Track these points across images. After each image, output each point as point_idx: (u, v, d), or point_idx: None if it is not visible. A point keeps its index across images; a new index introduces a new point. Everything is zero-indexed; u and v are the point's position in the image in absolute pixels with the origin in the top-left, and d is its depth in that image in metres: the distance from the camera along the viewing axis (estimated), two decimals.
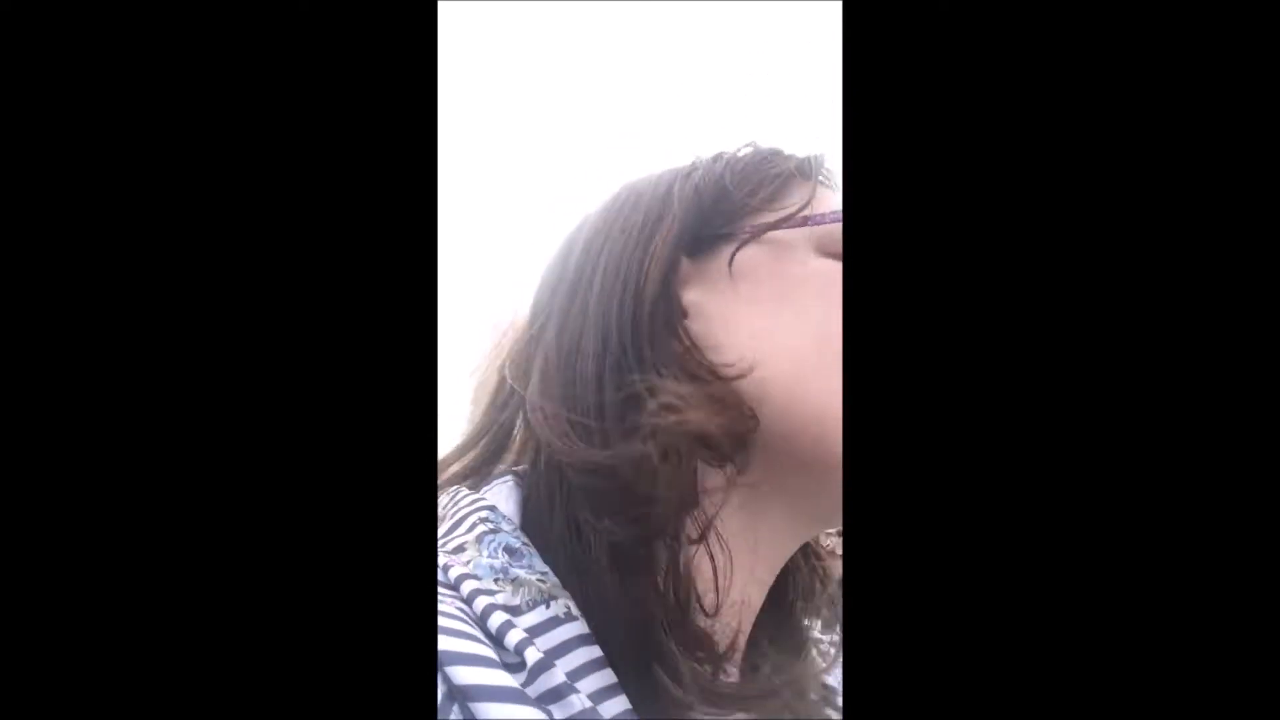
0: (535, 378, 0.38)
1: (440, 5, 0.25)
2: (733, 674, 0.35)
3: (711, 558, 0.33)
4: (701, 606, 0.33)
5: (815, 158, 0.43)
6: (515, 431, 0.41)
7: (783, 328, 0.37)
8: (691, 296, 0.39)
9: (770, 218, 0.39)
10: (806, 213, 0.39)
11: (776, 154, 0.43)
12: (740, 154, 0.43)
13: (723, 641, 0.33)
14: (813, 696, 0.42)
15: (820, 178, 0.42)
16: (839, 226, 0.39)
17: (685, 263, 0.39)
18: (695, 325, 0.38)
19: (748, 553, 0.35)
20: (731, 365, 0.35)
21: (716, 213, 0.40)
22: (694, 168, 0.42)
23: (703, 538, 0.33)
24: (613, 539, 0.32)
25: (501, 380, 0.43)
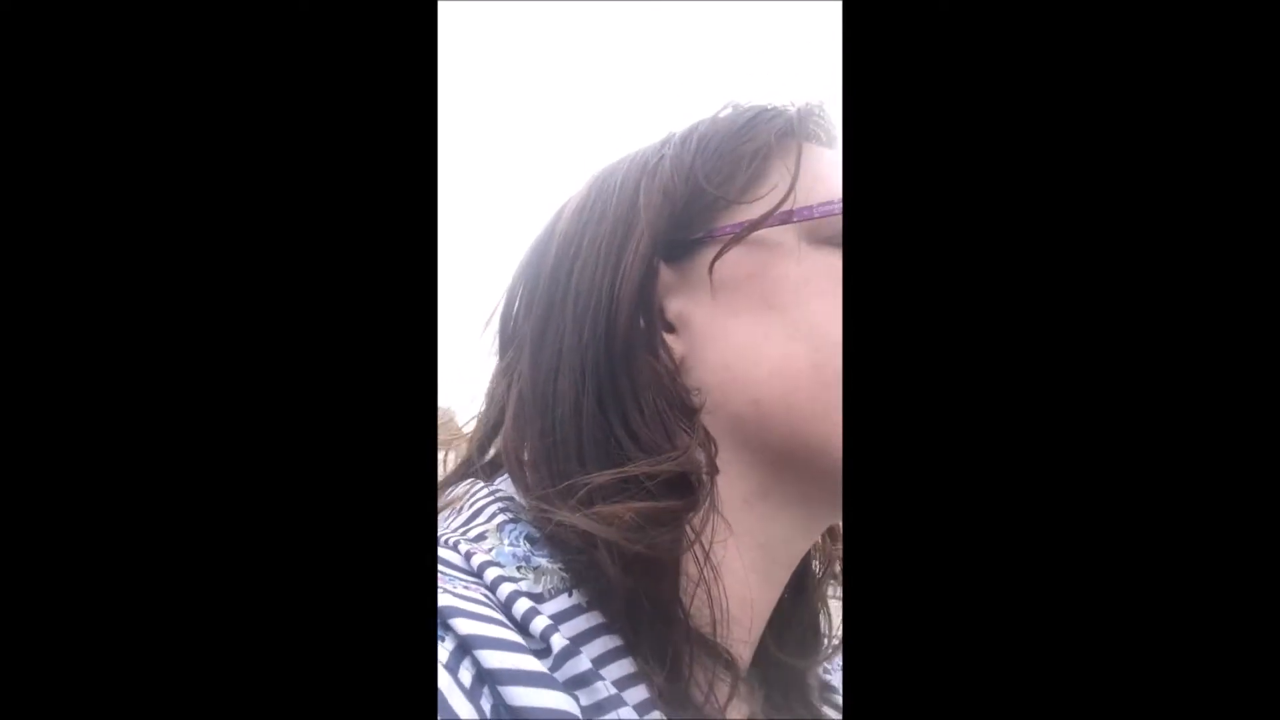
0: (508, 422, 0.36)
1: (440, 5, 0.25)
2: (746, 656, 0.35)
3: (709, 598, 0.32)
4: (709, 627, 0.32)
5: (805, 109, 0.39)
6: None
7: (773, 338, 0.34)
8: (676, 307, 0.36)
9: (751, 213, 0.35)
10: (789, 205, 0.35)
11: (758, 119, 0.38)
12: (719, 120, 0.38)
13: (735, 650, 0.33)
14: (810, 682, 0.42)
15: (817, 131, 0.39)
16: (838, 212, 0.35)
17: (666, 271, 0.36)
18: (682, 344, 0.35)
19: (759, 553, 0.35)
20: (696, 391, 0.34)
21: (692, 213, 0.36)
22: (661, 155, 0.37)
23: (703, 573, 0.32)
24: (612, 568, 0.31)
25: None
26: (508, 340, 0.39)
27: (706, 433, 0.34)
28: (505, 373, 0.38)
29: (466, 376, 0.41)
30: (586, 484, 0.31)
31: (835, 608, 0.44)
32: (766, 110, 0.39)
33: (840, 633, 0.44)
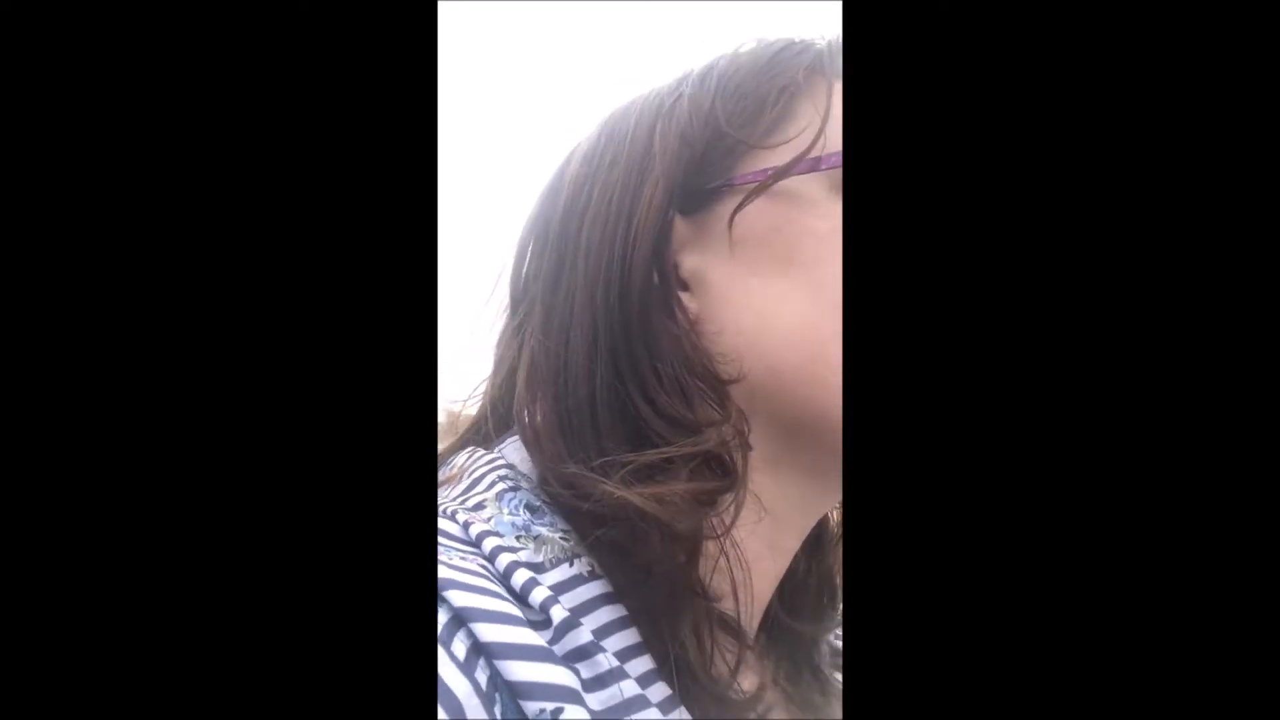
0: (520, 387, 0.34)
1: (440, 5, 0.25)
2: (753, 624, 0.35)
3: (730, 570, 0.31)
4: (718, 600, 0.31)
5: (836, 43, 0.35)
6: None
7: (795, 301, 0.32)
8: (691, 263, 0.34)
9: (776, 159, 0.32)
10: (818, 151, 0.32)
11: (783, 53, 0.35)
12: (740, 56, 0.35)
13: (744, 619, 0.32)
14: (822, 648, 0.42)
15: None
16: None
17: (680, 224, 0.33)
18: (696, 303, 0.33)
19: (767, 522, 0.33)
20: (728, 368, 0.32)
21: (709, 161, 0.33)
22: (679, 95, 0.34)
23: (721, 552, 0.31)
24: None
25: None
26: (519, 297, 0.37)
27: (738, 409, 0.32)
28: (516, 332, 0.36)
29: (465, 371, 0.40)
30: (626, 463, 0.29)
31: None
32: (794, 44, 0.35)
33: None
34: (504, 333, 0.38)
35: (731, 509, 0.31)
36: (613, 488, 0.29)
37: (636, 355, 0.31)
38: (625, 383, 0.31)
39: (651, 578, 0.30)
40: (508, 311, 0.38)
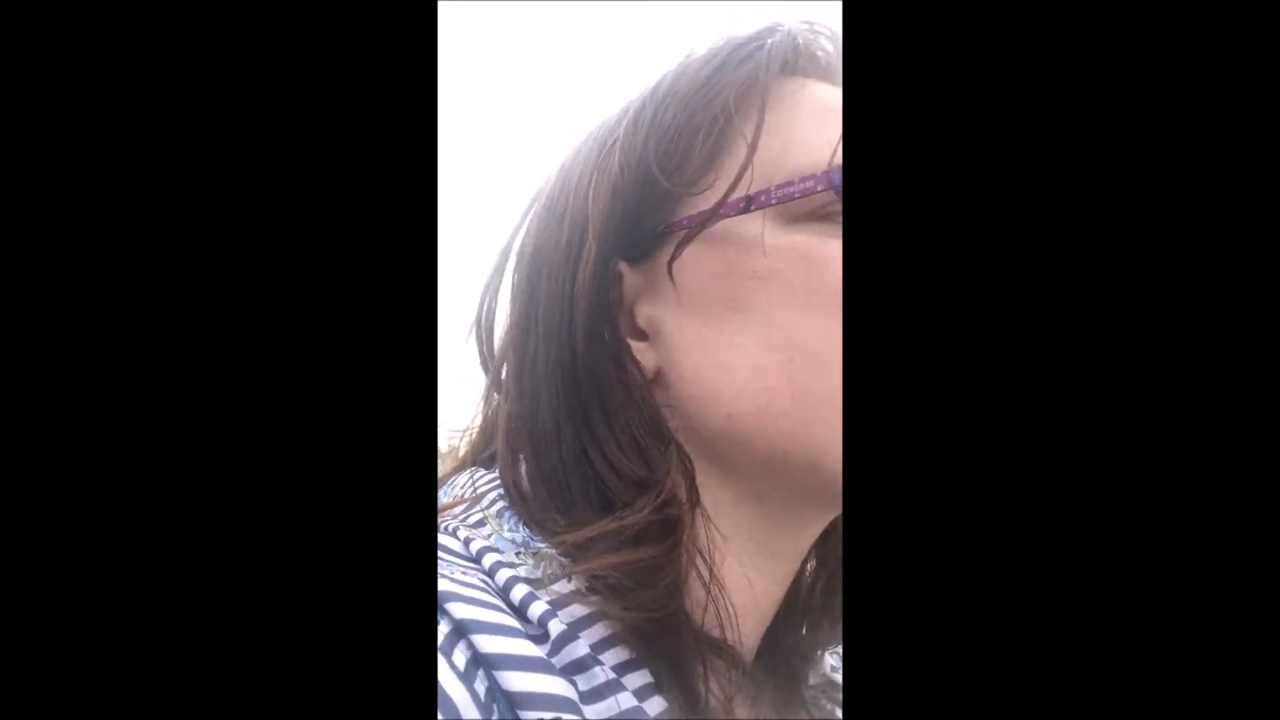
0: (501, 444, 0.35)
1: (440, 5, 0.25)
2: (749, 654, 0.35)
3: (718, 614, 0.31)
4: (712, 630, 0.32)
5: (788, 34, 0.32)
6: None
7: (745, 348, 0.31)
8: (645, 312, 0.33)
9: (708, 202, 0.30)
10: (744, 191, 0.30)
11: (723, 67, 0.32)
12: (680, 78, 0.32)
13: (741, 644, 0.33)
14: (815, 681, 0.42)
15: (807, 61, 0.33)
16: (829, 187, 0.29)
17: (629, 273, 0.33)
18: (654, 353, 0.33)
19: (755, 549, 0.34)
20: (670, 409, 0.32)
21: (646, 206, 0.32)
22: (615, 139, 0.33)
23: (708, 592, 0.31)
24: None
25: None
26: (486, 357, 0.37)
27: (681, 453, 0.32)
28: (494, 389, 0.37)
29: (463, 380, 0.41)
30: (564, 541, 0.30)
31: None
32: (740, 49, 0.33)
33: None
34: (486, 388, 0.38)
35: (703, 540, 0.31)
36: (572, 563, 0.30)
37: (592, 417, 0.31)
38: (586, 446, 0.31)
39: (644, 621, 0.30)
40: (482, 369, 0.38)
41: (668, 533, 0.30)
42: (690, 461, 0.32)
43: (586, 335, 0.31)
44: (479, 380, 0.39)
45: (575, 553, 0.30)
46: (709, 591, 0.31)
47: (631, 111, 0.33)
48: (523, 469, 0.33)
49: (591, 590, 0.30)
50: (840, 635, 0.42)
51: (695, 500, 0.31)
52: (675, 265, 0.31)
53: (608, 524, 0.30)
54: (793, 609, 0.40)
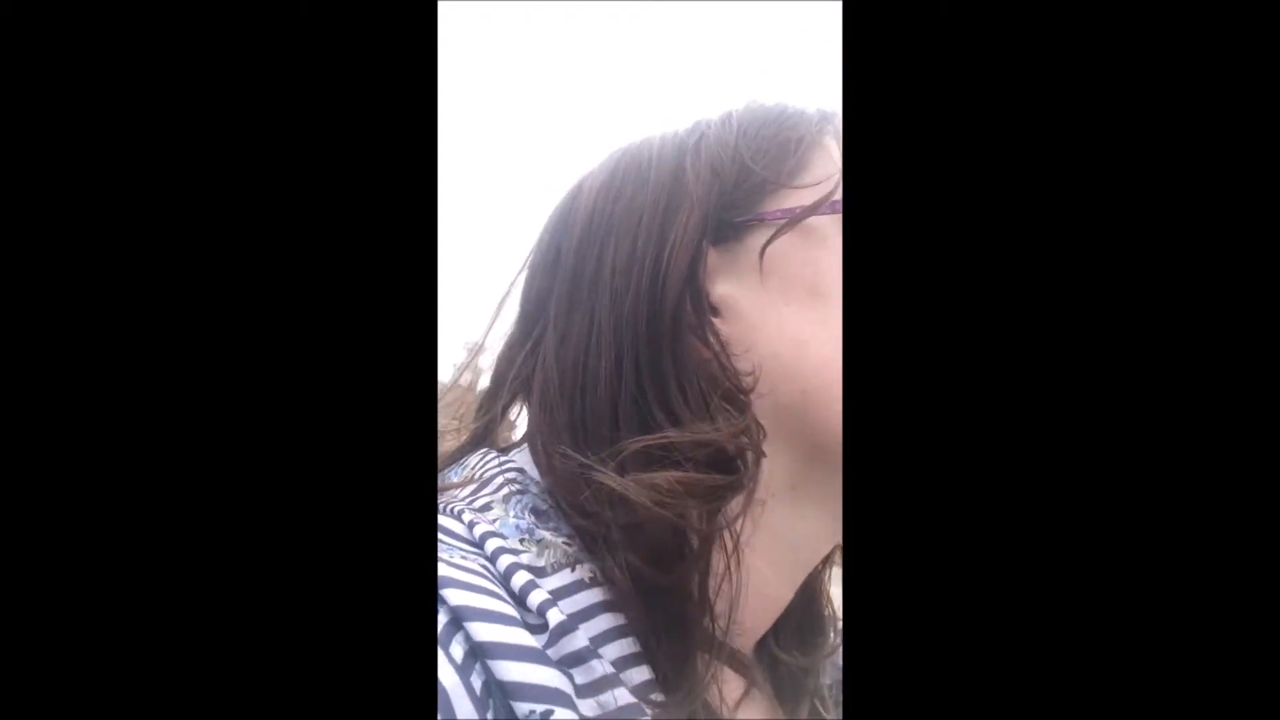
0: (534, 405, 0.35)
1: (440, 5, 0.25)
2: (749, 654, 0.35)
3: (732, 588, 0.31)
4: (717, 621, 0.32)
5: (821, 114, 0.38)
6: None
7: (818, 328, 0.34)
8: (721, 290, 0.35)
9: (801, 199, 0.35)
10: (838, 195, 0.35)
11: (788, 110, 0.38)
12: (751, 109, 0.38)
13: (742, 647, 0.33)
14: (820, 680, 0.42)
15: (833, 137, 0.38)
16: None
17: (711, 253, 0.35)
18: (726, 327, 0.34)
19: (785, 551, 0.34)
20: (750, 374, 0.33)
21: (739, 194, 0.35)
22: (700, 135, 0.37)
23: (729, 565, 0.31)
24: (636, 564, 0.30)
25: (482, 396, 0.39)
26: (530, 320, 0.38)
27: (755, 422, 0.33)
28: (530, 353, 0.37)
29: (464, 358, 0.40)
30: (622, 450, 0.30)
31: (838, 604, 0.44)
32: (789, 108, 0.39)
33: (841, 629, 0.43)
34: (504, 354, 0.39)
35: (740, 519, 0.31)
36: (606, 477, 0.30)
37: (664, 373, 0.32)
38: (647, 396, 0.32)
39: (657, 592, 0.30)
40: (513, 333, 0.39)
41: (731, 469, 0.31)
42: (760, 424, 0.33)
43: (675, 300, 0.33)
44: (477, 378, 0.39)
45: (633, 463, 0.30)
46: (729, 567, 0.31)
47: (715, 119, 0.37)
48: (553, 418, 0.33)
49: (595, 581, 0.30)
50: (831, 649, 0.42)
51: (761, 453, 0.32)
52: (768, 249, 0.34)
53: (682, 434, 0.30)
54: (801, 613, 0.40)
